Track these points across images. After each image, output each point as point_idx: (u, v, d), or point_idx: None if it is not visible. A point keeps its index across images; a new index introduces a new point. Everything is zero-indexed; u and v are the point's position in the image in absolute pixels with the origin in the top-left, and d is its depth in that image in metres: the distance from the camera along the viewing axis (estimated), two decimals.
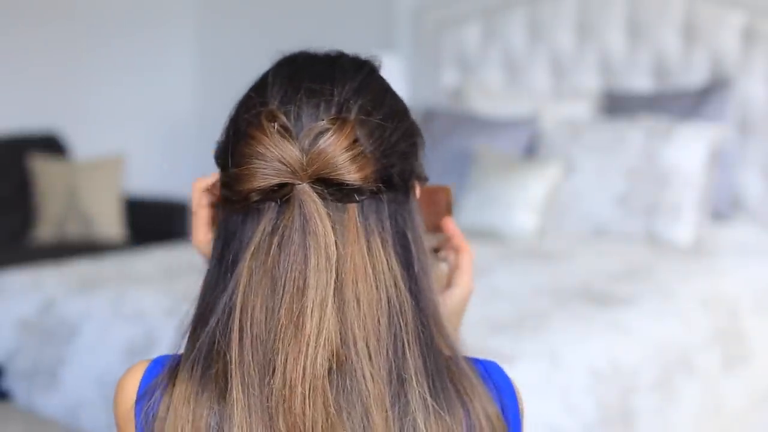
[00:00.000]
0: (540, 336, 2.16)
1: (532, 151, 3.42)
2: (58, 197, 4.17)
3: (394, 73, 3.72)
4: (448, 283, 1.04)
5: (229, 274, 0.81)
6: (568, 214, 3.19)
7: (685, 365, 2.37)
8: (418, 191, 0.88)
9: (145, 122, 4.94)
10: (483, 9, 3.92)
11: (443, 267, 1.06)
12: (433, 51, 4.09)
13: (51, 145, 4.38)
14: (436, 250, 1.06)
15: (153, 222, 4.42)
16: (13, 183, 4.23)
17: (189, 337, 0.84)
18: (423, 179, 0.89)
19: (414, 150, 0.86)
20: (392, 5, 4.25)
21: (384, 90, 0.86)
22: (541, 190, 3.18)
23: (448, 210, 1.06)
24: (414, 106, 3.89)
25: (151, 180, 4.68)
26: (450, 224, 1.04)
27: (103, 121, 4.77)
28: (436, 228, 1.05)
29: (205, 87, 5.10)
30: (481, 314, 2.18)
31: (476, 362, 0.87)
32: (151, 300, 2.42)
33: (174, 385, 0.80)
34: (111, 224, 4.23)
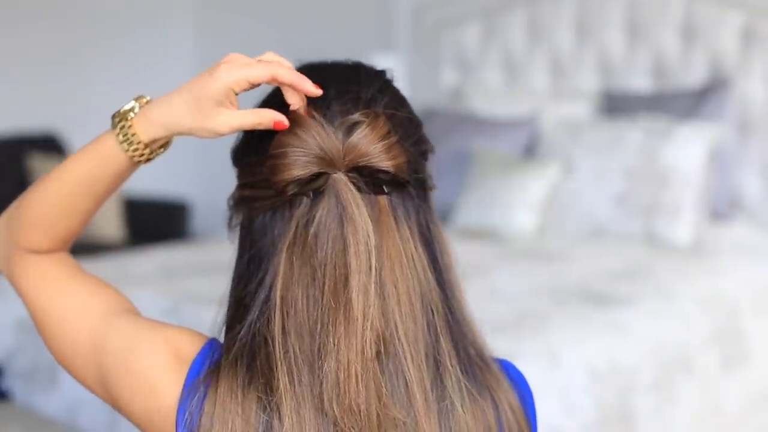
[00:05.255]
0: (539, 336, 2.16)
1: (531, 151, 3.42)
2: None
3: (394, 73, 3.72)
4: None
5: (263, 269, 0.83)
6: (568, 214, 3.20)
7: (683, 365, 2.37)
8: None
9: None
10: (482, 9, 3.93)
11: None
12: (433, 51, 4.09)
13: (51, 145, 4.38)
14: None
15: (152, 222, 4.42)
16: (13, 183, 4.23)
17: (227, 334, 0.85)
18: (432, 188, 0.91)
19: (428, 154, 0.89)
20: (391, 5, 4.25)
21: (403, 96, 0.89)
22: (540, 190, 3.18)
23: None
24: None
25: (151, 180, 4.68)
26: None
27: (103, 121, 4.71)
28: None
29: None
30: (480, 314, 2.18)
31: (495, 360, 0.90)
32: (151, 300, 2.42)
33: (218, 381, 0.81)
34: (110, 224, 4.23)
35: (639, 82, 3.50)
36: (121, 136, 0.85)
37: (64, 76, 4.63)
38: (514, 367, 0.91)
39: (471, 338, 0.87)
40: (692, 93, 3.26)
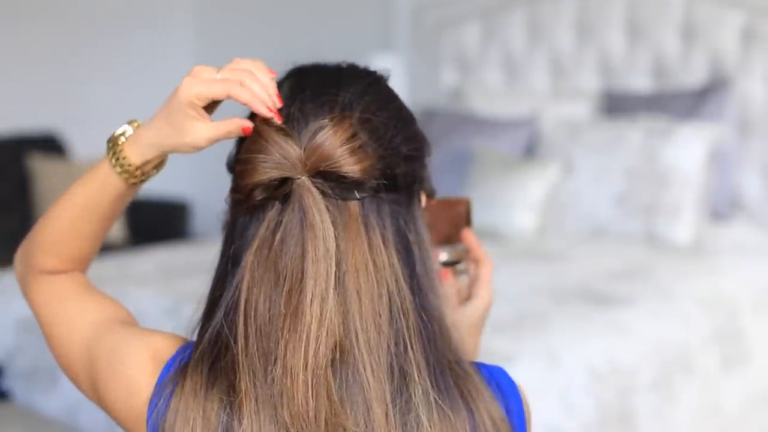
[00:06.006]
0: (539, 336, 2.16)
1: (531, 151, 3.42)
2: (58, 197, 4.17)
3: (394, 73, 3.72)
4: (469, 295, 1.05)
5: (234, 271, 0.84)
6: (568, 214, 3.20)
7: (683, 365, 2.37)
8: (424, 200, 0.89)
9: None
10: (483, 9, 3.93)
11: (464, 279, 1.06)
12: (433, 51, 4.09)
13: (51, 145, 4.38)
14: (455, 262, 1.06)
15: (153, 222, 4.42)
16: (13, 183, 4.24)
17: (198, 332, 0.86)
18: (430, 191, 0.90)
19: (419, 156, 0.87)
20: (391, 5, 4.26)
21: (389, 97, 0.88)
22: (540, 190, 3.18)
23: (468, 222, 1.07)
24: (414, 106, 3.90)
25: (151, 180, 4.68)
26: (470, 236, 1.06)
27: (103, 121, 4.75)
28: (456, 240, 1.06)
29: None
30: None
31: (482, 367, 0.87)
32: (151, 300, 2.43)
33: (185, 378, 0.82)
34: None
35: (639, 82, 3.50)
36: (114, 161, 0.90)
37: (64, 76, 4.63)
38: (505, 376, 0.87)
39: (450, 348, 0.85)
40: (692, 93, 3.26)
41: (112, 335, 0.89)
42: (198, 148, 0.85)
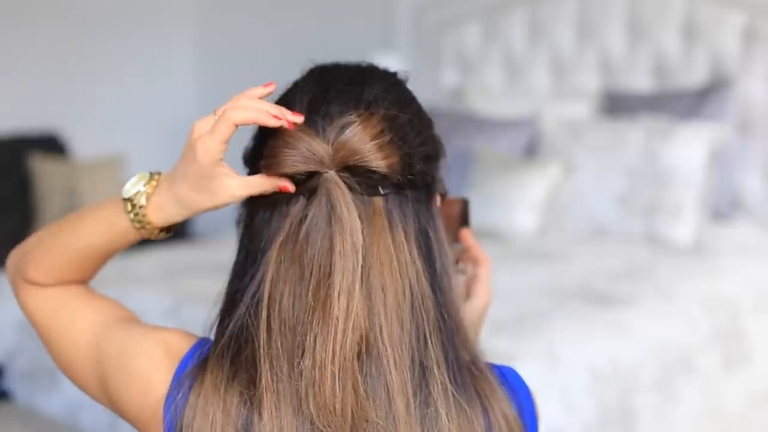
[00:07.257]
0: (540, 336, 2.16)
1: (532, 151, 3.42)
2: (58, 197, 4.17)
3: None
4: (467, 295, 1.05)
5: (256, 265, 0.83)
6: (569, 214, 3.19)
7: (685, 365, 2.37)
8: (438, 201, 0.90)
9: (145, 122, 4.95)
10: (483, 9, 3.92)
11: (461, 278, 1.07)
12: (434, 51, 4.09)
13: (51, 145, 4.38)
14: (454, 262, 1.07)
15: None
16: (13, 183, 4.23)
17: (217, 327, 0.86)
18: (443, 194, 0.91)
19: (436, 157, 0.89)
20: (392, 5, 4.25)
21: (411, 98, 0.89)
22: (541, 190, 3.18)
23: (465, 221, 1.07)
24: None
25: None
26: (468, 236, 1.07)
27: (103, 121, 4.77)
28: (454, 239, 1.06)
29: (206, 86, 5.11)
30: None
31: (494, 367, 0.88)
32: (152, 300, 2.42)
33: (204, 374, 0.82)
34: None
35: (640, 81, 3.50)
36: (136, 224, 0.87)
37: (64, 76, 4.63)
38: (515, 375, 0.89)
39: (465, 346, 0.86)
40: (693, 93, 3.25)
41: (119, 334, 0.88)
42: (230, 204, 0.83)
